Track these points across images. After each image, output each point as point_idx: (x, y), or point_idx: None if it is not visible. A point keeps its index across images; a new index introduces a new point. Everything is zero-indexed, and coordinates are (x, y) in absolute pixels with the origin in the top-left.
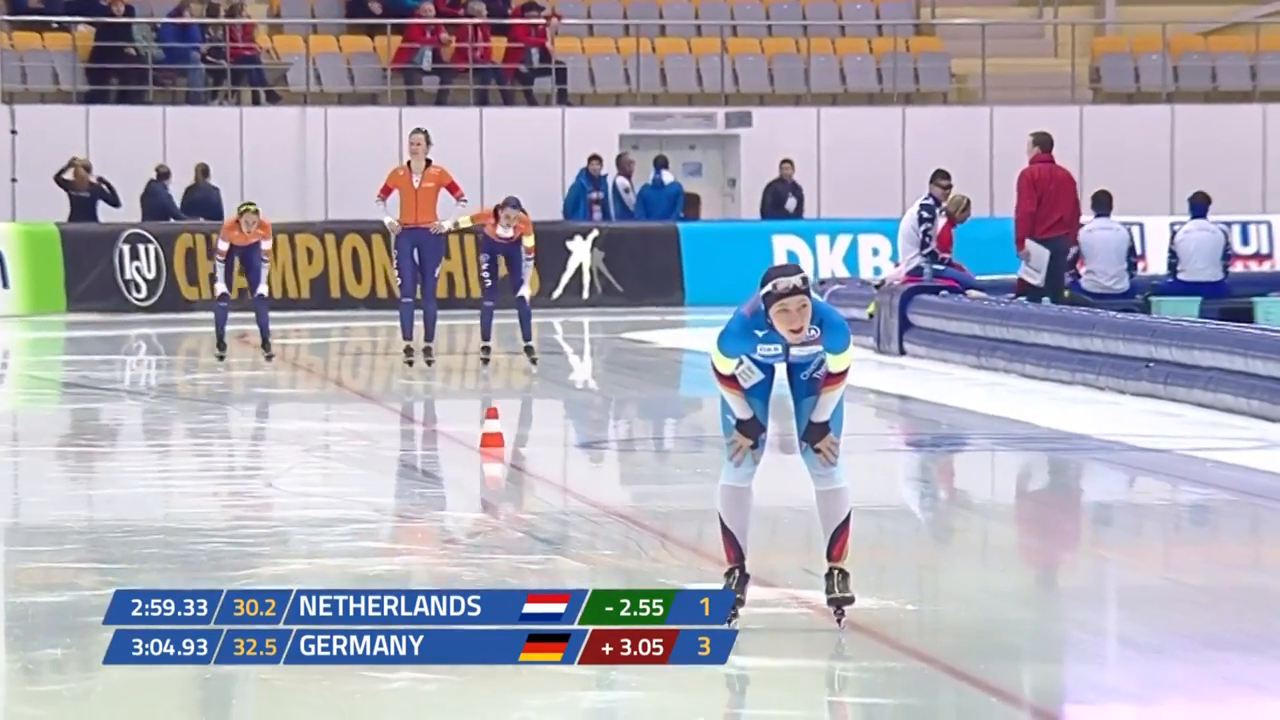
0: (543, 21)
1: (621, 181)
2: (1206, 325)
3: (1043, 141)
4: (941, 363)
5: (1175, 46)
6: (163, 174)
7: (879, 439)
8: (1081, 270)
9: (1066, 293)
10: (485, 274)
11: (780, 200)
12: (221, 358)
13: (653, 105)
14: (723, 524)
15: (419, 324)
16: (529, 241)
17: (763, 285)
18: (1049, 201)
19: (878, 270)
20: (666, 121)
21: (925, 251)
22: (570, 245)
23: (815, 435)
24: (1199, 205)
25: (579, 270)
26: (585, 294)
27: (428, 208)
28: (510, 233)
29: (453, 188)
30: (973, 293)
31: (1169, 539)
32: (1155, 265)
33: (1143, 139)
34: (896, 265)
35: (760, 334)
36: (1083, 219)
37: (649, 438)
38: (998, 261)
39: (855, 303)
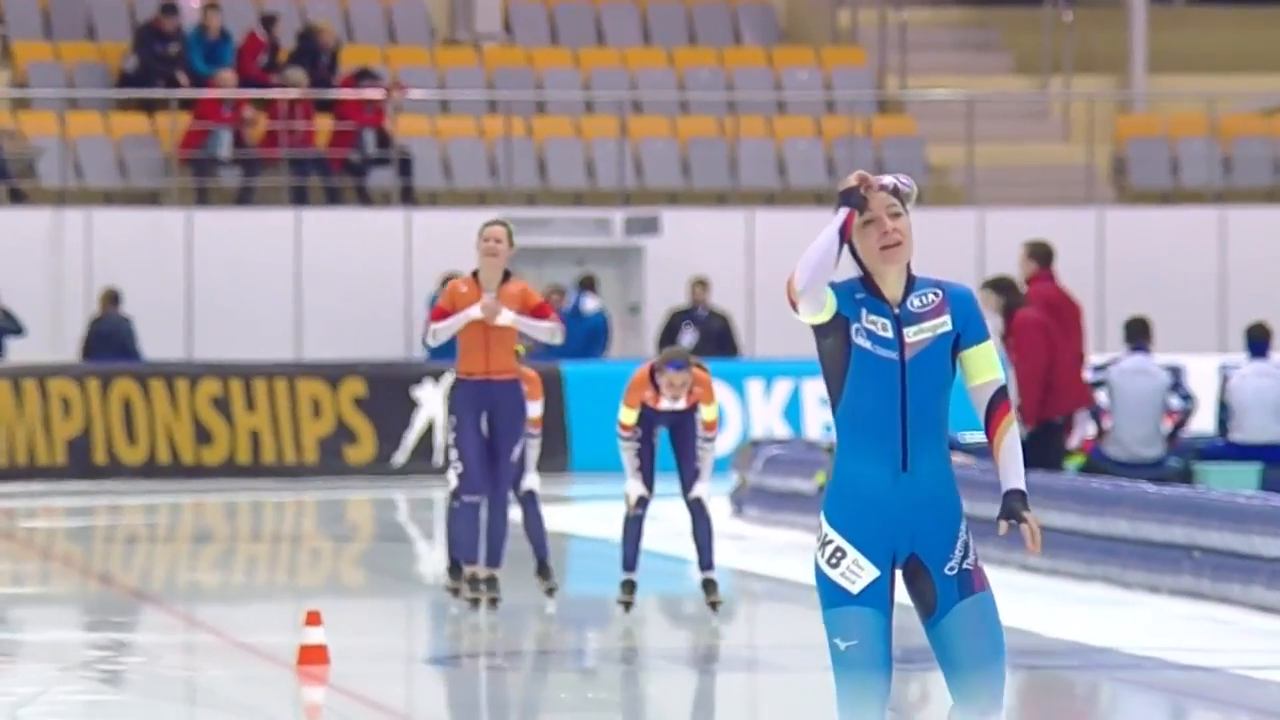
0: (381, 95)
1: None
2: (1269, 502)
3: (1041, 254)
4: None
5: (1226, 129)
6: None
7: None
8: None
9: (1082, 457)
10: (636, 460)
11: (674, 336)
12: (457, 591)
13: (528, 206)
14: None
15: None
16: (709, 414)
17: (841, 196)
18: (1059, 337)
19: (829, 428)
20: (547, 228)
21: None
22: (417, 393)
23: (1006, 510)
24: (1259, 342)
25: (430, 427)
26: (439, 459)
27: (504, 349)
28: (680, 404)
29: (541, 310)
30: (956, 457)
31: None
32: (1201, 420)
33: (1183, 252)
34: None
35: (861, 295)
36: (1113, 355)
37: (521, 651)
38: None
39: (799, 470)
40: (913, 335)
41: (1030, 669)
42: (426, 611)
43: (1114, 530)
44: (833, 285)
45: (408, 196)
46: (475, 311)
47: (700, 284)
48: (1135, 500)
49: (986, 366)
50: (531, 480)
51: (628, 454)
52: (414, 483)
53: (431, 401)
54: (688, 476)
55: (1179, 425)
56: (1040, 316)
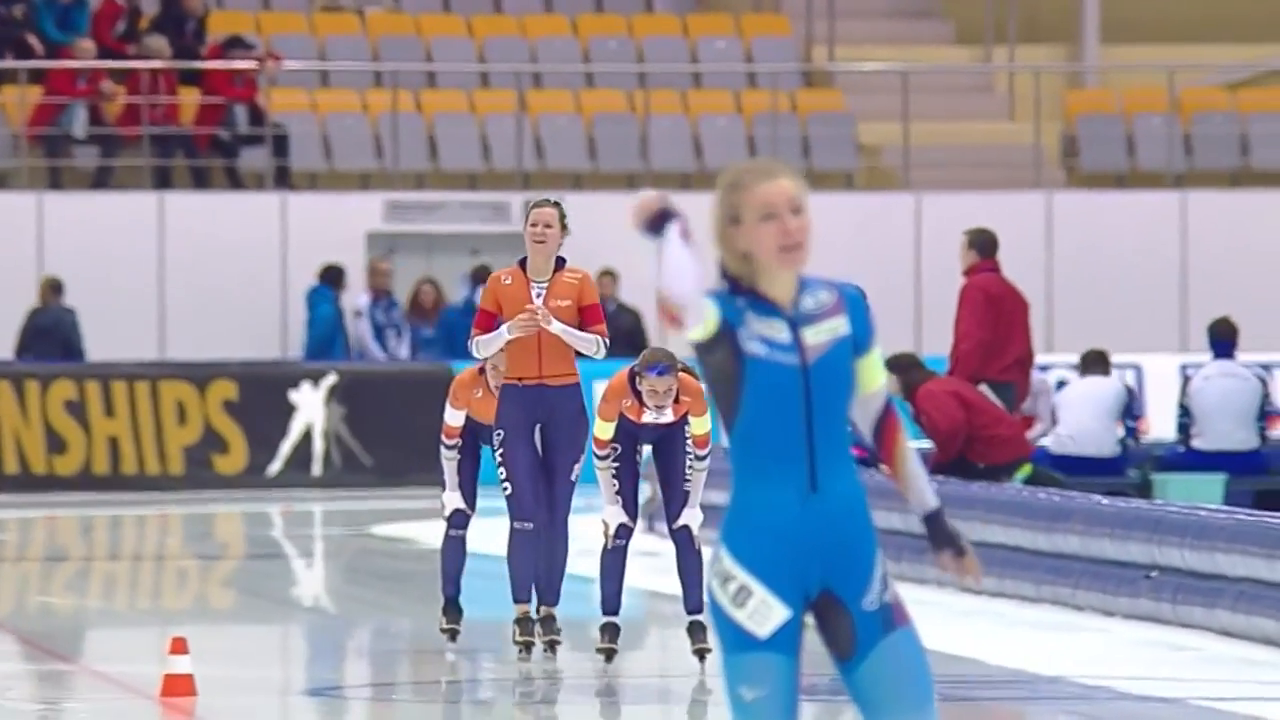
0: (254, 66)
1: (360, 301)
2: (1235, 516)
3: (983, 244)
4: None
5: (1188, 104)
6: None
7: None
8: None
9: (1028, 467)
10: (614, 483)
11: None
12: (455, 633)
13: (417, 190)
14: None
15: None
16: (701, 428)
17: (655, 219)
18: (1003, 330)
19: None
20: (437, 214)
21: None
22: (294, 396)
23: (943, 538)
24: (1223, 340)
25: (308, 434)
26: (318, 468)
27: (561, 348)
28: (666, 416)
29: (593, 312)
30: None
31: None
32: (1159, 426)
33: (1140, 241)
34: None
35: (742, 302)
36: (1063, 358)
37: (408, 682)
38: None
39: (714, 481)
40: (812, 337)
41: (972, 700)
42: (303, 638)
43: (1064, 547)
44: (709, 293)
45: (283, 178)
46: (505, 333)
47: (607, 275)
48: (1088, 514)
49: (875, 375)
50: None
51: (604, 475)
52: (290, 495)
53: (309, 405)
54: (674, 502)
55: (1130, 433)
56: (944, 385)
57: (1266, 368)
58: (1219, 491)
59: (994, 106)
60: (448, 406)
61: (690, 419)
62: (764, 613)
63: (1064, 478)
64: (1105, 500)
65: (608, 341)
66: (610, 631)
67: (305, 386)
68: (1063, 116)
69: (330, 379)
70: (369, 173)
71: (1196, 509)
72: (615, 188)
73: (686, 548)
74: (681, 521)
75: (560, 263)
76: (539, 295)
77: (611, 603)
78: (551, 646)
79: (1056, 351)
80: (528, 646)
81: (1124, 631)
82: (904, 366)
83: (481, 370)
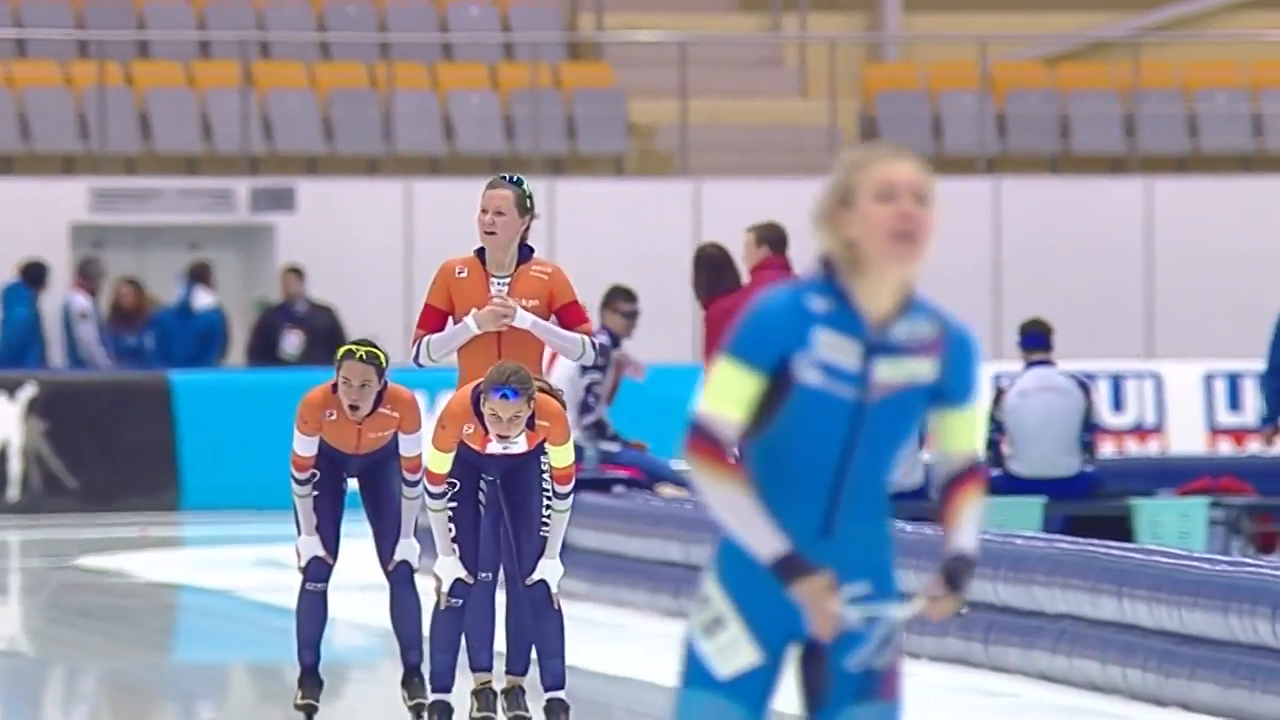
0: None
1: (80, 303)
2: (1055, 544)
3: (773, 239)
4: (614, 607)
5: (1001, 80)
6: None
7: None
8: None
9: None
10: (451, 527)
11: (272, 340)
12: (313, 710)
13: (128, 175)
14: None
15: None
16: (561, 459)
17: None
18: None
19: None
20: (151, 202)
21: (589, 421)
22: None
23: (962, 572)
24: (1035, 335)
25: (3, 453)
26: (14, 492)
27: (523, 355)
28: (516, 446)
29: (572, 312)
30: (666, 488)
31: None
32: None
33: (949, 233)
34: None
35: (822, 308)
36: None
37: None
38: None
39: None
40: (886, 373)
41: None
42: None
43: None
44: (774, 303)
45: None
46: (472, 325)
47: (293, 273)
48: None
49: (964, 434)
50: (407, 549)
51: (438, 519)
52: None
53: (4, 420)
54: (527, 550)
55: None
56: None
57: (1090, 377)
58: (1037, 516)
59: (783, 82)
60: (295, 434)
61: (548, 448)
62: (732, 650)
63: None
64: (909, 527)
65: (596, 345)
66: (441, 712)
67: (0, 399)
68: (861, 94)
69: (29, 390)
70: (73, 156)
71: (1011, 537)
72: (354, 173)
73: (544, 608)
74: (537, 576)
75: (527, 253)
76: (502, 291)
77: (443, 678)
78: None
79: None
80: None
81: (931, 676)
82: (711, 263)
83: (334, 388)
